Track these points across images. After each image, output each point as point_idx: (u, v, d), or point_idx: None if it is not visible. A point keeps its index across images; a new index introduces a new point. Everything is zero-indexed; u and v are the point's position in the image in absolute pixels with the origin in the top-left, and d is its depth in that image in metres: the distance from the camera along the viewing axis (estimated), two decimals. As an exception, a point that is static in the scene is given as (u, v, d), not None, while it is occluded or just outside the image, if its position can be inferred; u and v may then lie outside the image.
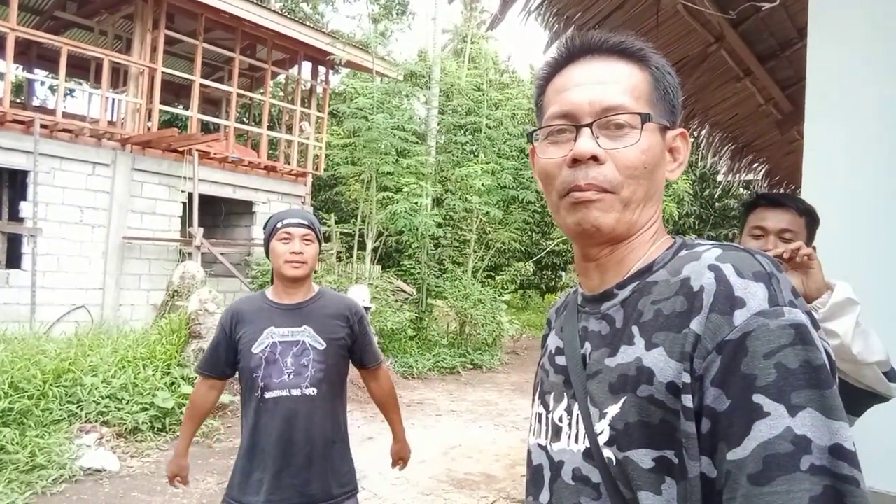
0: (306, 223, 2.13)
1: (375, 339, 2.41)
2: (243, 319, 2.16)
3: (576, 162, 0.78)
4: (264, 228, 2.21)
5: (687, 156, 0.86)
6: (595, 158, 0.78)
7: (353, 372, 2.35)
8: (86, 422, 5.23)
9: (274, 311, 2.15)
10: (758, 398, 0.63)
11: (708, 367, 0.67)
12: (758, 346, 0.64)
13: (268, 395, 2.06)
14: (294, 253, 2.09)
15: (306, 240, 2.12)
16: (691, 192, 15.29)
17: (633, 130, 0.78)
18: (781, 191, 7.44)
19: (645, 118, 0.79)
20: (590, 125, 0.79)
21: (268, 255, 2.17)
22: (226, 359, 2.20)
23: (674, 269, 0.76)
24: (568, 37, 0.89)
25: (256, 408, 2.08)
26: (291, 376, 2.07)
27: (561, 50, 0.87)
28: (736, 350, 0.65)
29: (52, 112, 9.91)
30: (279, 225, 2.12)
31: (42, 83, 15.67)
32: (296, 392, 2.06)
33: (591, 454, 0.76)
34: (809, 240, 1.74)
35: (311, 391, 2.08)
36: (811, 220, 1.73)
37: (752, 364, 0.64)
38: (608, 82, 0.80)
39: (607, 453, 0.73)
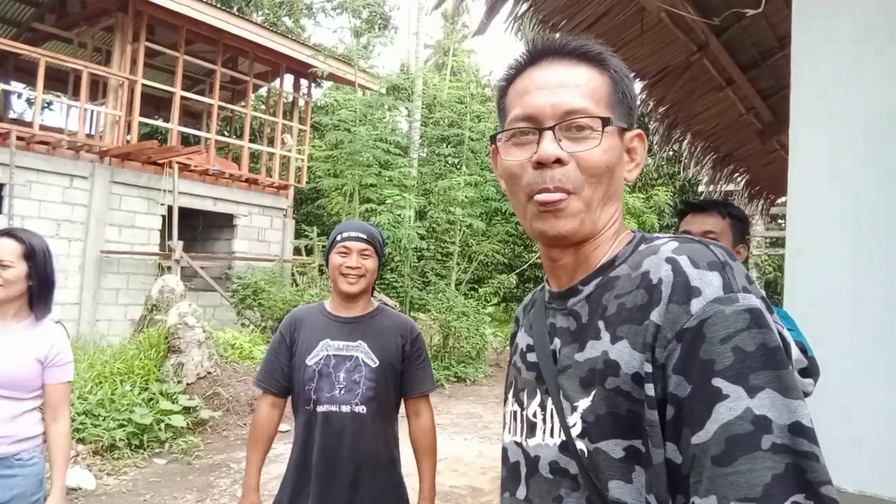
0: (365, 237, 2.08)
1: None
2: (302, 328, 2.12)
3: (540, 165, 0.81)
4: (328, 239, 2.18)
5: (644, 156, 0.89)
6: (559, 161, 0.80)
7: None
8: (60, 439, 5.09)
9: (331, 323, 2.11)
10: (717, 382, 0.65)
11: (669, 355, 0.69)
12: (715, 332, 0.67)
13: (319, 409, 2.01)
14: (349, 267, 2.05)
15: (364, 254, 2.07)
16: (672, 204, 15.41)
17: (595, 133, 0.81)
18: (762, 201, 7.52)
19: (606, 122, 0.81)
20: (552, 128, 0.81)
21: (327, 266, 2.15)
22: (283, 369, 2.12)
23: (634, 264, 0.79)
24: (529, 40, 0.89)
25: (307, 421, 2.03)
26: (343, 392, 2.01)
27: (522, 53, 0.88)
28: (694, 337, 0.68)
29: (30, 124, 9.76)
30: (338, 238, 2.09)
31: (19, 95, 15.44)
32: (345, 409, 2.00)
33: (568, 447, 0.78)
34: (736, 241, 1.90)
35: (361, 409, 2.02)
36: (737, 221, 1.91)
37: (709, 349, 0.66)
38: (569, 86, 0.82)
39: (580, 445, 0.76)
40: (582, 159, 0.80)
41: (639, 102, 4.50)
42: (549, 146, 0.80)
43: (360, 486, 1.99)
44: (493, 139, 0.89)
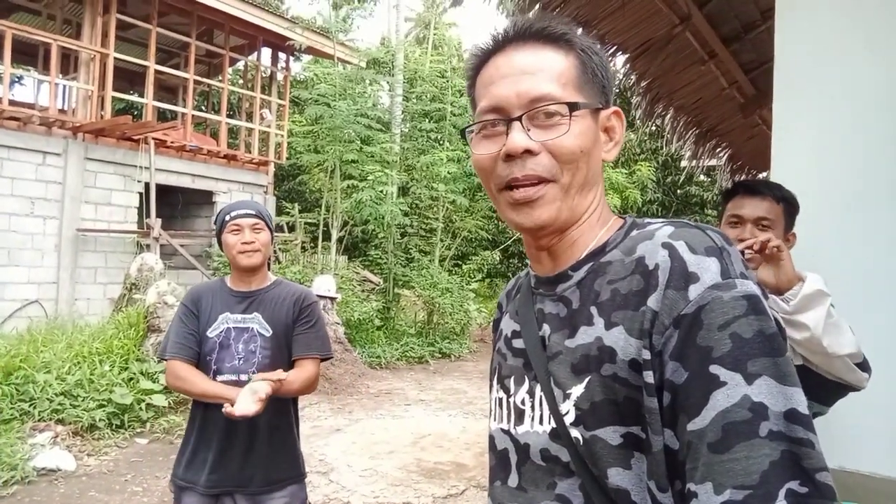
0: (254, 213, 2.21)
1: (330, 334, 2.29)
2: (203, 302, 2.25)
3: (510, 157, 0.79)
4: (214, 223, 2.28)
5: (622, 134, 0.87)
6: (529, 151, 0.78)
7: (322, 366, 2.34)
8: (39, 420, 5.03)
9: (230, 298, 2.25)
10: (714, 368, 0.65)
11: (666, 341, 0.69)
12: (712, 319, 0.66)
13: (219, 378, 2.15)
14: (245, 243, 2.17)
15: (256, 229, 2.19)
16: (654, 179, 15.42)
17: (563, 118, 0.79)
18: (744, 176, 7.53)
19: (573, 107, 0.79)
20: (520, 118, 0.79)
21: (222, 249, 2.26)
22: (195, 336, 2.19)
23: (627, 249, 0.77)
24: (494, 26, 0.87)
25: None
26: (241, 362, 2.16)
27: (486, 40, 0.86)
28: (692, 323, 0.67)
29: (-2, 99, 9.47)
30: (227, 218, 2.20)
31: (-13, 70, 14.96)
32: (244, 377, 2.13)
33: (559, 434, 0.77)
34: (788, 227, 1.74)
35: None
36: (789, 206, 1.74)
37: (707, 336, 0.66)
38: (534, 72, 0.80)
39: (574, 433, 0.75)
40: (553, 147, 0.78)
41: (621, 76, 4.48)
42: (518, 137, 0.78)
43: (254, 451, 2.12)
44: (462, 133, 0.88)
